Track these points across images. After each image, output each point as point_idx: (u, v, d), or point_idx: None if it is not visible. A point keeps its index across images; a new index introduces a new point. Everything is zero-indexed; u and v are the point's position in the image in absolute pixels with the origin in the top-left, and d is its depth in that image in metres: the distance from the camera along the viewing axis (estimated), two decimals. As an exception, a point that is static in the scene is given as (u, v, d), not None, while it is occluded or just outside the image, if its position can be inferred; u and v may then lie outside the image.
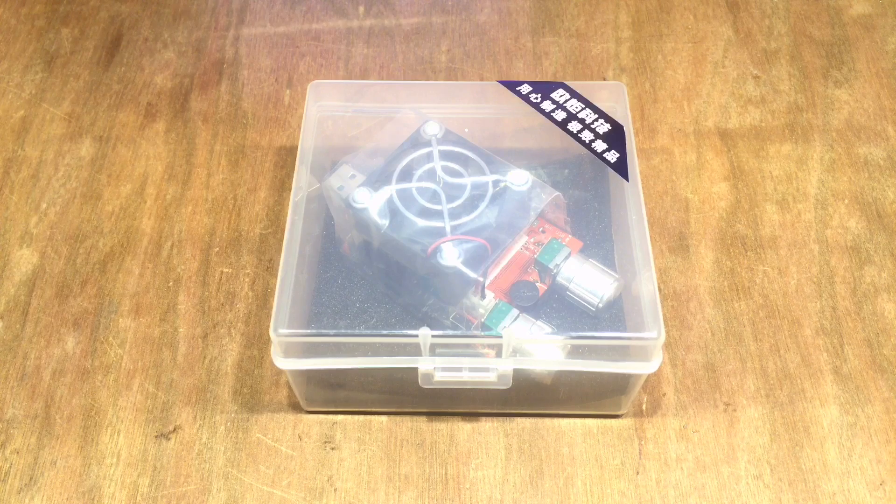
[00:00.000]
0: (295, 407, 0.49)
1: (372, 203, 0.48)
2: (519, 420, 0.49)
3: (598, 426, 0.49)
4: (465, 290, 0.47)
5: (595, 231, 0.52)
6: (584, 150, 0.52)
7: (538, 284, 0.49)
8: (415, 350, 0.45)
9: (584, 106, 0.53)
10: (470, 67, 0.66)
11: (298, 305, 0.48)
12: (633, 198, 0.50)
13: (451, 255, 0.46)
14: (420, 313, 0.49)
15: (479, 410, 0.49)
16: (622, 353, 0.45)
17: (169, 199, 0.58)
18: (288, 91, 0.64)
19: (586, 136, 0.52)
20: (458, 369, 0.45)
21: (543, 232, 0.51)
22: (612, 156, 0.51)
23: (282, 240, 0.49)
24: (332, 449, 0.48)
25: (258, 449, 0.48)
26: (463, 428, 0.49)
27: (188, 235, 0.56)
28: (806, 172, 0.59)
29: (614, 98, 0.54)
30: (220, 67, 0.65)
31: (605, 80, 0.64)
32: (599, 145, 0.52)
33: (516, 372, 0.45)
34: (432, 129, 0.51)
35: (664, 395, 0.50)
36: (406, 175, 0.50)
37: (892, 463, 0.47)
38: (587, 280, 0.49)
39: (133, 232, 0.56)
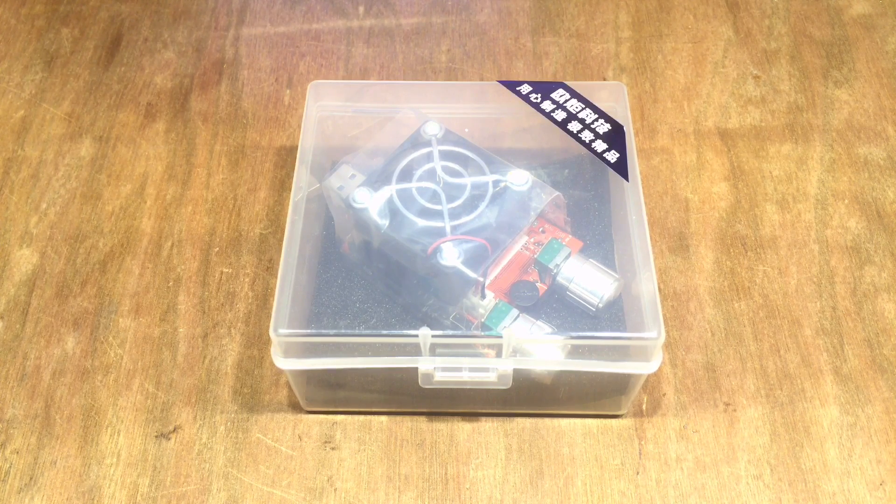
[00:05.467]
0: (295, 407, 0.49)
1: (372, 203, 0.48)
2: (519, 420, 0.49)
3: (598, 426, 0.49)
4: (465, 290, 0.47)
5: (595, 231, 0.52)
6: (584, 150, 0.52)
7: (538, 284, 0.49)
8: (415, 350, 0.45)
9: (584, 106, 0.53)
10: (470, 67, 0.66)
11: (298, 305, 0.48)
12: (633, 198, 0.50)
13: (451, 255, 0.46)
14: (420, 313, 0.49)
15: (479, 410, 0.49)
16: (622, 353, 0.45)
17: (169, 199, 0.58)
18: (288, 91, 0.64)
19: (586, 136, 0.52)
20: (458, 369, 0.45)
21: (543, 232, 0.51)
22: (612, 156, 0.51)
23: (282, 240, 0.49)
24: (332, 449, 0.48)
25: (258, 449, 0.48)
26: (463, 428, 0.49)
27: (188, 235, 0.56)
28: (806, 172, 0.59)
29: (614, 98, 0.54)
30: (220, 67, 0.65)
31: (605, 80, 0.64)
32: (599, 145, 0.52)
33: (516, 372, 0.45)
34: (432, 129, 0.51)
35: (664, 395, 0.50)
36: (406, 175, 0.50)
37: (892, 463, 0.47)
38: (587, 280, 0.49)
39: (133, 232, 0.56)
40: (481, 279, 0.47)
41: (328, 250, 0.52)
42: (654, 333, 0.44)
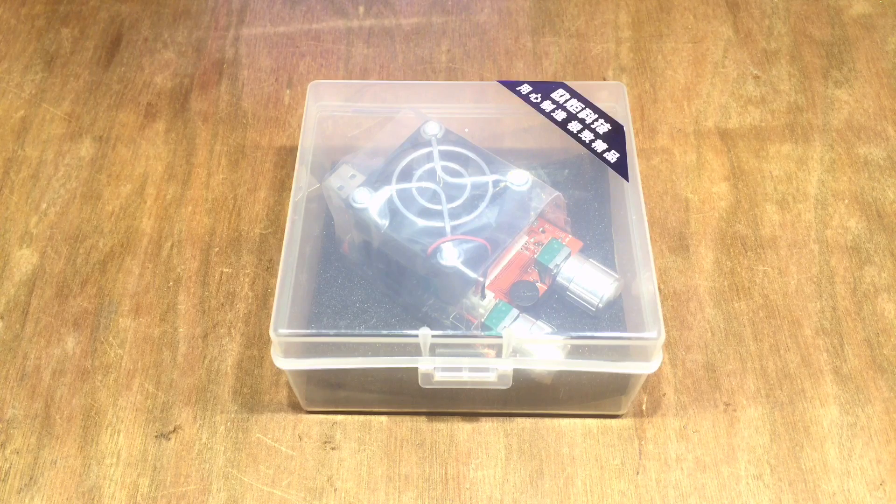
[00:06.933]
0: (295, 407, 0.49)
1: (372, 203, 0.48)
2: (519, 420, 0.49)
3: (598, 426, 0.49)
4: (465, 290, 0.47)
5: (595, 231, 0.52)
6: (584, 150, 0.52)
7: (538, 284, 0.49)
8: (415, 350, 0.45)
9: (584, 106, 0.53)
10: (470, 67, 0.66)
11: (298, 305, 0.48)
12: (633, 198, 0.50)
13: (451, 255, 0.46)
14: (420, 313, 0.49)
15: (479, 410, 0.49)
16: (622, 353, 0.45)
17: (169, 199, 0.58)
18: (288, 91, 0.64)
19: (586, 136, 0.52)
20: (458, 369, 0.45)
21: (543, 232, 0.51)
22: (612, 156, 0.51)
23: (282, 240, 0.49)
24: (332, 449, 0.48)
25: (258, 449, 0.48)
26: (463, 428, 0.49)
27: (188, 235, 0.56)
28: (806, 172, 0.59)
29: (614, 98, 0.54)
30: (220, 67, 0.65)
31: (605, 80, 0.64)
32: (599, 145, 0.52)
33: (516, 372, 0.45)
34: (432, 129, 0.51)
35: (664, 395, 0.50)
36: (406, 175, 0.50)
37: (892, 463, 0.47)
38: (587, 280, 0.49)
39: (133, 232, 0.56)
40: (481, 279, 0.47)
41: (328, 250, 0.52)
42: (654, 333, 0.44)
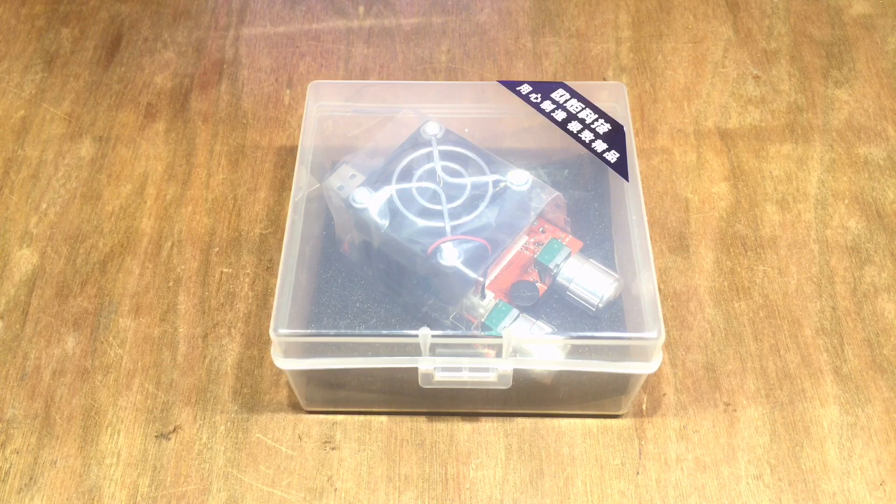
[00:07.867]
0: (295, 407, 0.49)
1: (372, 203, 0.48)
2: (519, 420, 0.49)
3: (598, 426, 0.49)
4: (465, 290, 0.47)
5: (595, 231, 0.52)
6: (584, 150, 0.52)
7: (538, 284, 0.49)
8: (415, 350, 0.45)
9: (584, 106, 0.53)
10: (470, 67, 0.66)
11: (298, 305, 0.48)
12: (633, 198, 0.50)
13: (451, 255, 0.46)
14: (420, 313, 0.49)
15: (479, 410, 0.49)
16: (622, 353, 0.45)
17: (169, 199, 0.58)
18: (288, 91, 0.64)
19: (586, 136, 0.52)
20: (458, 369, 0.45)
21: (543, 232, 0.51)
22: (612, 156, 0.51)
23: (282, 240, 0.49)
24: (332, 449, 0.48)
25: (258, 449, 0.48)
26: (463, 428, 0.49)
27: (188, 235, 0.56)
28: (806, 172, 0.59)
29: (614, 98, 0.54)
30: (220, 67, 0.65)
31: (605, 80, 0.64)
32: (599, 145, 0.52)
33: (516, 372, 0.45)
34: (432, 129, 0.51)
35: (664, 395, 0.50)
36: (406, 175, 0.50)
37: (892, 463, 0.47)
38: (587, 280, 0.49)
39: (133, 232, 0.56)
40: (481, 279, 0.47)
41: (328, 250, 0.52)
42: (654, 333, 0.44)
